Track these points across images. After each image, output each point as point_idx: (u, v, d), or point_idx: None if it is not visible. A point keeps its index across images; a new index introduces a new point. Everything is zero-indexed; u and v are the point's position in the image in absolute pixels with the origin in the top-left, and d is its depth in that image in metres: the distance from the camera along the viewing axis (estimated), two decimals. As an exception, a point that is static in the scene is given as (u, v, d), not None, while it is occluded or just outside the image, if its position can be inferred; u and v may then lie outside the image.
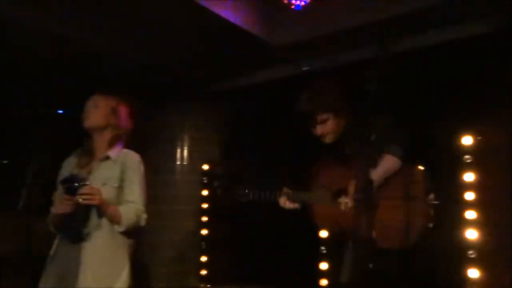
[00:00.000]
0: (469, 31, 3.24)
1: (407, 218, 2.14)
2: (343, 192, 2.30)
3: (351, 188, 2.24)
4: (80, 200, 2.27)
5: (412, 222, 2.14)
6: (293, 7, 3.43)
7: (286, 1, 3.48)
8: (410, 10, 3.10)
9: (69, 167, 2.55)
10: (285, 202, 2.55)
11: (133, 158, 2.56)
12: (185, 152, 4.60)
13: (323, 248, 3.75)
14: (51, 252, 2.45)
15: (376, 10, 3.20)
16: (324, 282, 3.73)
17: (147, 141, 4.38)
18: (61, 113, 3.66)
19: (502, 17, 3.15)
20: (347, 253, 2.15)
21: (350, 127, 2.39)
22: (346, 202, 2.29)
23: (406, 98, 3.22)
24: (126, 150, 2.58)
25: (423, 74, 3.41)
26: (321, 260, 3.75)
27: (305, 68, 4.00)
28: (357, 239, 2.21)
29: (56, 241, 2.48)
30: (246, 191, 2.64)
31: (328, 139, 2.41)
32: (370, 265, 2.06)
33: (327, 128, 2.39)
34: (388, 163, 2.23)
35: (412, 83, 3.31)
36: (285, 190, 2.56)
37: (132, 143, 2.66)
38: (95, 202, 2.30)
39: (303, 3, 3.40)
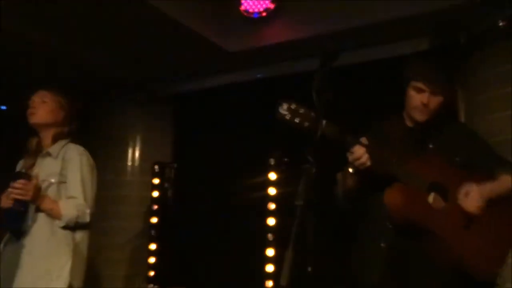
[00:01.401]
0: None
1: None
2: (440, 187, 2.01)
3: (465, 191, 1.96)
4: (13, 194, 2.20)
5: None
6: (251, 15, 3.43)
7: (244, 12, 3.48)
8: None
9: (19, 167, 2.48)
10: (361, 154, 1.92)
11: (74, 152, 2.43)
12: (136, 153, 4.49)
13: (269, 250, 3.73)
14: None
15: (324, 24, 3.25)
16: (269, 284, 3.70)
17: (98, 141, 4.25)
18: (3, 109, 3.49)
19: (437, 37, 3.25)
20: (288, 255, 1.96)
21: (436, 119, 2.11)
22: (438, 200, 2.01)
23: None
24: (68, 145, 2.46)
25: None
26: (267, 263, 3.71)
27: (259, 75, 4.00)
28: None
29: (2, 243, 2.37)
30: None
31: (423, 115, 2.06)
32: (309, 269, 2.00)
33: (433, 102, 2.04)
34: (505, 183, 1.98)
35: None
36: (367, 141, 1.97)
37: (82, 143, 2.54)
38: (27, 197, 2.21)
39: (260, 9, 3.42)
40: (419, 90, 2.05)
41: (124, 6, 3.04)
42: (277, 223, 3.76)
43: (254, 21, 3.53)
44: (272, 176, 3.76)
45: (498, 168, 2.01)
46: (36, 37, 3.36)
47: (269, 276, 3.68)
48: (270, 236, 3.74)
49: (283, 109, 1.89)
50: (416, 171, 1.94)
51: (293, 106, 1.88)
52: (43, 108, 2.44)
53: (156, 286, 3.95)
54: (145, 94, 4.40)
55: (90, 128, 3.25)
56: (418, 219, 1.92)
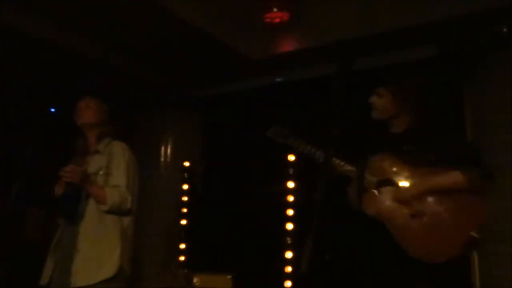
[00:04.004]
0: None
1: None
2: (389, 183, 2.00)
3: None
4: (64, 177, 2.27)
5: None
6: (278, 20, 3.42)
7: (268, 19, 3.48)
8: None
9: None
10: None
11: (117, 147, 2.51)
12: (169, 150, 4.56)
13: (288, 238, 3.77)
14: (54, 240, 2.40)
15: (341, 31, 3.25)
16: (288, 269, 3.75)
17: (136, 140, 4.32)
18: (53, 111, 3.60)
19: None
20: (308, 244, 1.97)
21: (415, 125, 2.09)
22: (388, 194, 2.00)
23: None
24: (112, 142, 2.55)
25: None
26: (286, 250, 3.77)
27: (278, 79, 4.02)
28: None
29: (58, 230, 2.42)
30: (291, 137, 2.20)
31: (373, 114, 2.13)
32: (327, 257, 2.03)
33: (378, 102, 2.11)
34: (455, 179, 1.89)
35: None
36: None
37: (122, 140, 2.62)
38: (76, 180, 2.28)
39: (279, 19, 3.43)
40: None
41: (159, 22, 3.14)
42: (295, 213, 3.82)
43: (275, 30, 3.55)
44: (291, 171, 3.83)
45: (463, 166, 1.93)
46: (81, 49, 3.48)
47: (288, 261, 3.75)
48: (288, 224, 3.81)
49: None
50: (371, 171, 2.02)
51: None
52: (88, 112, 2.55)
53: (186, 270, 3.99)
54: (177, 98, 4.47)
55: (130, 129, 3.31)
56: (373, 214, 1.97)
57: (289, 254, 3.77)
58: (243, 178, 4.06)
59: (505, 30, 2.99)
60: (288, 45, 3.56)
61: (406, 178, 1.96)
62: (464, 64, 3.28)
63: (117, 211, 2.35)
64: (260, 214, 3.94)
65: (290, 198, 3.86)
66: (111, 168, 2.42)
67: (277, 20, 3.46)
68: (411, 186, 1.94)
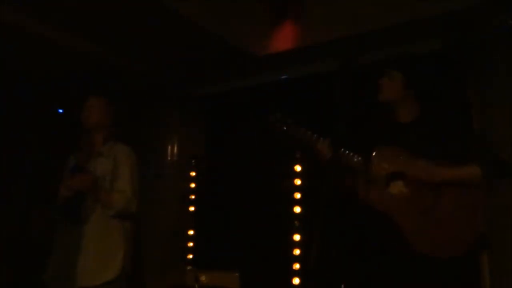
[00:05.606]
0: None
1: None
2: (399, 176, 1.91)
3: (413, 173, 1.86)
4: (73, 186, 2.29)
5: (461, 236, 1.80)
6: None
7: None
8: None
9: (71, 162, 2.55)
10: (324, 148, 2.01)
11: (123, 151, 2.52)
12: (175, 149, 4.51)
13: (296, 235, 3.72)
14: (56, 237, 2.41)
15: (340, 28, 3.21)
16: (297, 266, 3.70)
17: (141, 138, 4.30)
18: (60, 112, 3.59)
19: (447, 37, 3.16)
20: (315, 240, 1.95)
21: (423, 115, 2.01)
22: (400, 187, 1.89)
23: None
24: (117, 145, 2.54)
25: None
26: (294, 247, 3.71)
27: (283, 77, 3.97)
28: None
29: (58, 230, 2.42)
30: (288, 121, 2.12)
31: (380, 96, 2.05)
32: (334, 253, 2.00)
33: (387, 84, 2.04)
34: (472, 172, 1.82)
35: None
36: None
37: (127, 140, 2.62)
38: (84, 188, 2.30)
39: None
40: None
41: (162, 20, 3.11)
42: (302, 210, 3.77)
43: (280, 26, 3.51)
44: (298, 168, 3.78)
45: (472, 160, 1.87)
46: (86, 49, 3.46)
47: (296, 259, 3.70)
48: (296, 222, 3.76)
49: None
50: (381, 164, 1.91)
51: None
52: (94, 112, 2.54)
53: (194, 268, 3.98)
54: (182, 95, 4.43)
55: (135, 127, 3.31)
56: (382, 209, 1.88)
57: (297, 251, 3.73)
58: (248, 175, 4.01)
59: (510, 21, 2.92)
60: (293, 42, 3.51)
61: (419, 171, 1.86)
62: (469, 57, 3.21)
63: (122, 215, 2.38)
64: (266, 210, 3.88)
65: (297, 195, 3.81)
66: (117, 173, 2.43)
67: (283, 15, 3.44)
68: (425, 178, 1.84)
